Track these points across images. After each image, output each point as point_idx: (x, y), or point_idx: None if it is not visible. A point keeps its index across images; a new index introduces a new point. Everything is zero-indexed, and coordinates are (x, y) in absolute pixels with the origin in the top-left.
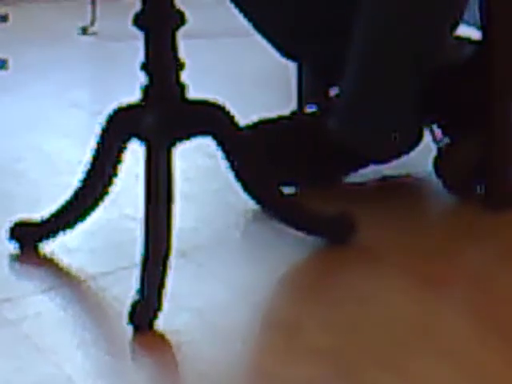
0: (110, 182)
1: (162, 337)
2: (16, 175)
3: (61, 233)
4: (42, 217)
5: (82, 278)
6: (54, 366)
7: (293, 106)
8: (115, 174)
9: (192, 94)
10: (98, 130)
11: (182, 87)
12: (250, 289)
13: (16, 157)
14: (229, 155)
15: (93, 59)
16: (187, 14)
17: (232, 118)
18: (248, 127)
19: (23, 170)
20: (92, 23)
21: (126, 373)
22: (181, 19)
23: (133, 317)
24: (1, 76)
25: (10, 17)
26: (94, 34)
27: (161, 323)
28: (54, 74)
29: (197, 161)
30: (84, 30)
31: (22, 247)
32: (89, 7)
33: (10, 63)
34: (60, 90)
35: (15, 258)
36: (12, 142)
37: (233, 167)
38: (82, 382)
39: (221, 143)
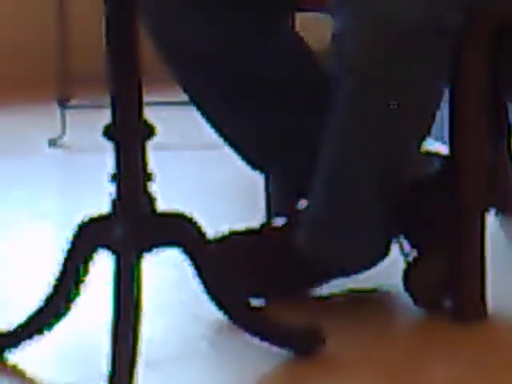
0: (77, 292)
1: None
2: None
3: (27, 342)
4: (8, 326)
5: None
6: None
7: (262, 217)
8: (82, 284)
9: (161, 205)
10: (66, 241)
11: (150, 199)
12: None
13: None
14: (196, 267)
15: (61, 171)
16: (157, 127)
17: (200, 229)
18: (217, 239)
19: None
20: (61, 135)
21: None
22: (150, 131)
23: None
24: None
25: None
26: (63, 145)
27: None
28: (22, 185)
29: (165, 272)
30: (53, 142)
31: None
32: (58, 118)
33: None
34: (28, 201)
35: None
36: None
37: (201, 278)
38: None
39: (189, 255)
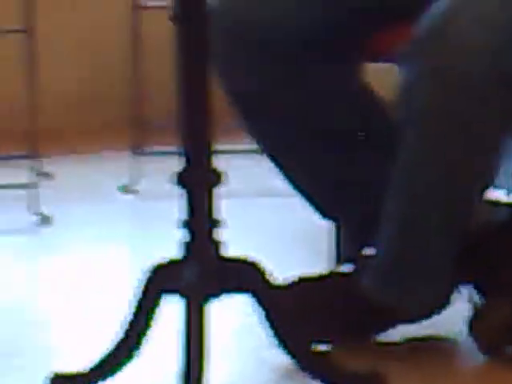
0: (146, 336)
1: None
2: (58, 329)
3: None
4: (82, 368)
5: None
6: None
7: (329, 264)
8: (152, 329)
9: (232, 251)
10: (137, 286)
11: (217, 244)
12: None
13: (58, 312)
14: (264, 312)
15: (133, 217)
16: (229, 174)
17: (267, 275)
18: (285, 285)
19: (64, 323)
20: (132, 181)
21: None
22: (218, 179)
23: None
24: (45, 232)
25: (55, 174)
26: (135, 192)
27: None
28: (95, 229)
29: (233, 317)
30: (125, 189)
31: None
32: (130, 165)
33: (54, 220)
34: (100, 244)
35: None
36: (55, 296)
37: (268, 324)
38: None
39: (256, 300)
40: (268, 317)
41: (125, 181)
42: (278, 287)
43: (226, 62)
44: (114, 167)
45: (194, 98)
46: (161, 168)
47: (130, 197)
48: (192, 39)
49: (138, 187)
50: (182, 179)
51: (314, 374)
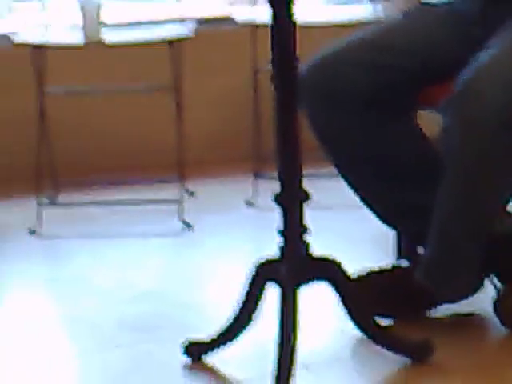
0: (255, 313)
1: None
2: (193, 309)
3: (220, 349)
4: (206, 337)
5: (234, 382)
6: None
7: (392, 260)
8: (259, 307)
9: (317, 251)
10: (248, 276)
11: (306, 246)
12: None
13: (196, 295)
14: (341, 296)
15: (254, 225)
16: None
17: (343, 269)
18: (360, 276)
19: (198, 304)
20: (253, 198)
21: None
22: (306, 197)
23: None
24: (188, 235)
25: (197, 192)
26: (256, 206)
27: None
28: (224, 235)
29: (317, 301)
30: (249, 203)
31: (193, 359)
32: (252, 185)
33: (195, 226)
34: (227, 246)
35: (187, 367)
36: (193, 283)
37: (344, 305)
38: None
39: (335, 287)
40: (344, 300)
41: (248, 197)
42: (352, 278)
43: (311, 111)
44: (241, 187)
45: (288, 135)
46: (275, 188)
47: (251, 210)
48: (285, 95)
49: (257, 203)
50: (279, 198)
51: (379, 342)
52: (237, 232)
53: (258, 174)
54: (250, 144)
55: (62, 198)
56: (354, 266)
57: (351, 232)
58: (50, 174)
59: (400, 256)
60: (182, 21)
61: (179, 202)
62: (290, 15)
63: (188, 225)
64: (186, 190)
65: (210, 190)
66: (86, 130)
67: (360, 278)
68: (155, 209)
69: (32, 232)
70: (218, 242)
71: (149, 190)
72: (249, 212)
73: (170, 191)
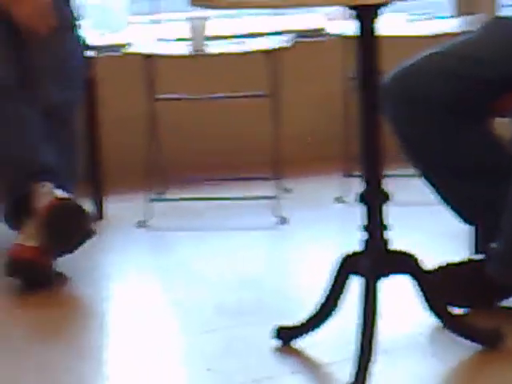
0: (339, 301)
1: None
2: (288, 296)
3: (307, 334)
4: (295, 323)
5: (319, 365)
6: None
7: (467, 254)
8: (342, 296)
9: (397, 246)
10: (334, 267)
11: (386, 241)
12: (434, 379)
13: (286, 283)
14: (419, 287)
15: (343, 219)
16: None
17: (420, 262)
18: (438, 268)
19: (295, 291)
20: (343, 195)
21: None
22: (386, 197)
23: None
24: (283, 229)
25: (293, 189)
26: (346, 202)
27: None
28: (315, 229)
29: (396, 292)
30: (340, 199)
31: (283, 343)
32: (341, 183)
33: (290, 221)
34: (317, 239)
35: (277, 350)
36: (287, 272)
37: (422, 296)
38: None
39: (413, 279)
40: (421, 291)
41: (338, 194)
42: (430, 270)
43: (394, 116)
44: (331, 185)
45: (370, 138)
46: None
47: (340, 206)
48: (368, 101)
49: (346, 199)
50: (363, 197)
51: (454, 330)
52: (326, 226)
53: (347, 173)
54: (340, 145)
55: (170, 193)
56: (433, 259)
57: (430, 227)
58: (158, 172)
59: (476, 250)
60: (280, 33)
61: (276, 198)
62: (373, 29)
63: (283, 219)
64: (282, 187)
65: (303, 187)
66: (191, 131)
67: (437, 270)
68: (254, 204)
69: (141, 225)
70: (310, 235)
71: (248, 187)
72: (338, 208)
73: (267, 188)
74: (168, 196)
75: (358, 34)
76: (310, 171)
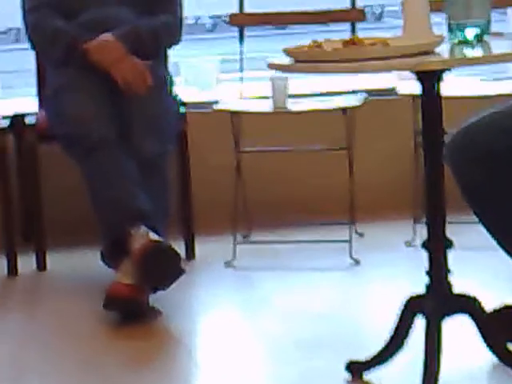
0: (406, 339)
1: None
2: (359, 331)
3: (376, 368)
4: (366, 357)
5: None
6: None
7: None
8: (408, 334)
9: (460, 287)
10: (401, 308)
11: (449, 284)
12: None
13: (365, 319)
14: (478, 327)
15: (410, 264)
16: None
17: (480, 303)
18: (495, 309)
19: (365, 327)
20: (413, 239)
21: None
22: (450, 243)
23: None
24: (356, 269)
25: (364, 234)
26: (414, 246)
27: None
28: (386, 270)
29: (457, 331)
30: (407, 243)
31: (353, 375)
32: (412, 228)
33: (362, 262)
34: (388, 279)
35: (348, 382)
36: (362, 309)
37: (481, 334)
38: None
39: (473, 319)
40: (480, 330)
41: (408, 239)
42: (488, 311)
43: (456, 168)
44: (402, 230)
45: (434, 190)
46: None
47: (409, 249)
48: (432, 156)
49: (415, 243)
50: (426, 245)
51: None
52: (396, 268)
53: (416, 220)
54: (410, 194)
55: (254, 236)
56: (493, 300)
57: (490, 270)
58: (244, 216)
59: None
60: (354, 92)
61: (349, 241)
62: (435, 90)
63: (356, 261)
64: (356, 232)
65: (375, 231)
66: (274, 180)
67: (496, 311)
68: (330, 246)
69: (228, 265)
70: (381, 276)
71: (325, 231)
72: (407, 251)
73: (342, 232)
74: (252, 238)
75: (421, 95)
76: (381, 217)
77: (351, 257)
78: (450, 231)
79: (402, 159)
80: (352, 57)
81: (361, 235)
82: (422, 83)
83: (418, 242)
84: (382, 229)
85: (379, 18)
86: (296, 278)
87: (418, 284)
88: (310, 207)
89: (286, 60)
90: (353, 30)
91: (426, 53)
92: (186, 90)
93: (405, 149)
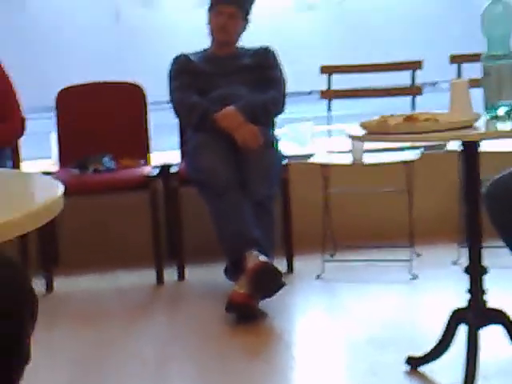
0: (452, 341)
1: None
2: (418, 333)
3: (430, 362)
4: (421, 354)
5: None
6: None
7: None
8: (454, 337)
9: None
10: (448, 318)
11: (484, 302)
12: None
13: (421, 326)
14: (510, 335)
15: (456, 280)
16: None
17: (509, 316)
18: None
19: (422, 330)
20: (458, 259)
21: None
22: (484, 270)
23: None
24: (415, 283)
25: (423, 254)
26: (459, 264)
27: None
28: (440, 287)
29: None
30: (454, 263)
31: (411, 368)
32: (457, 249)
33: (420, 277)
34: (440, 296)
35: (407, 373)
36: (425, 318)
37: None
38: None
39: (507, 330)
40: (510, 336)
41: (454, 259)
42: None
43: (492, 211)
44: (449, 252)
45: (472, 224)
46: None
47: (456, 267)
48: (470, 199)
49: (460, 263)
50: (467, 270)
51: None
52: (446, 282)
53: (460, 244)
54: (455, 224)
55: (338, 255)
56: None
57: None
58: (331, 240)
59: None
60: (412, 148)
61: (410, 260)
62: (475, 150)
63: (415, 276)
64: (415, 253)
65: (429, 253)
66: (353, 213)
67: None
68: (394, 265)
69: (318, 277)
70: (433, 289)
71: (391, 252)
72: (454, 269)
73: (404, 253)
74: (336, 257)
75: (463, 155)
76: (433, 242)
77: (410, 273)
78: (489, 254)
79: (449, 198)
80: (410, 130)
81: (418, 255)
82: (465, 147)
83: (462, 261)
84: (435, 250)
85: (433, 84)
86: (368, 289)
87: (462, 295)
88: (380, 234)
89: (361, 131)
90: (413, 100)
91: (468, 126)
92: (287, 145)
93: (452, 190)
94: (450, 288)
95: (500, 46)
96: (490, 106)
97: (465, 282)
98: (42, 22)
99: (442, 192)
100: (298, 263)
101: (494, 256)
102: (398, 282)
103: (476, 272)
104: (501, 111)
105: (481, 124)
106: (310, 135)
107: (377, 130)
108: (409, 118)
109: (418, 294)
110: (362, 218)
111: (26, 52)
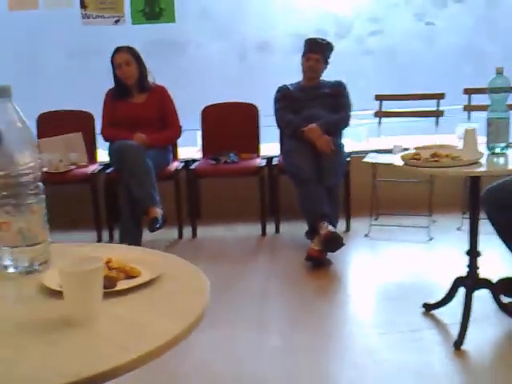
0: (453, 297)
1: None
2: (430, 289)
3: (440, 307)
4: (433, 301)
5: (444, 324)
6: None
7: None
8: (455, 294)
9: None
10: (451, 284)
11: (478, 274)
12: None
13: (433, 283)
14: (493, 295)
15: (461, 245)
16: None
17: (495, 283)
18: (501, 279)
19: (432, 287)
20: (461, 226)
21: None
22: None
23: None
24: (431, 243)
25: (438, 220)
26: (462, 231)
27: None
28: (450, 246)
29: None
30: (458, 228)
31: (426, 310)
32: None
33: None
34: (453, 255)
35: (423, 314)
36: None
37: (495, 299)
38: None
39: (491, 291)
40: (495, 297)
41: (458, 225)
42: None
43: (488, 213)
44: (455, 220)
45: (474, 221)
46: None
47: (460, 232)
48: (473, 204)
49: (463, 228)
50: (468, 252)
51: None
52: (453, 244)
53: (463, 215)
54: (461, 205)
55: (380, 220)
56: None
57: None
58: (376, 209)
59: None
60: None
61: (428, 226)
62: (478, 180)
63: (431, 238)
64: (432, 220)
65: (442, 221)
66: (391, 192)
67: (502, 280)
68: (417, 229)
69: (366, 236)
70: (445, 248)
71: (415, 219)
72: (459, 234)
73: (423, 220)
74: (379, 222)
75: (470, 182)
76: (446, 213)
77: (428, 235)
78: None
79: (457, 187)
80: (434, 165)
81: (434, 222)
82: (472, 177)
83: (465, 227)
84: (446, 219)
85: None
86: (398, 246)
87: (463, 254)
88: (408, 206)
89: (400, 161)
90: (437, 120)
91: (476, 162)
92: (349, 141)
93: (459, 180)
94: (456, 248)
95: (499, 105)
96: (491, 146)
97: (465, 243)
98: (194, 63)
99: (453, 182)
100: (353, 224)
101: (488, 224)
102: (419, 242)
103: (473, 255)
104: (497, 149)
105: (484, 158)
106: (365, 136)
107: (411, 164)
108: (434, 155)
109: (433, 251)
110: (397, 196)
111: (183, 81)
